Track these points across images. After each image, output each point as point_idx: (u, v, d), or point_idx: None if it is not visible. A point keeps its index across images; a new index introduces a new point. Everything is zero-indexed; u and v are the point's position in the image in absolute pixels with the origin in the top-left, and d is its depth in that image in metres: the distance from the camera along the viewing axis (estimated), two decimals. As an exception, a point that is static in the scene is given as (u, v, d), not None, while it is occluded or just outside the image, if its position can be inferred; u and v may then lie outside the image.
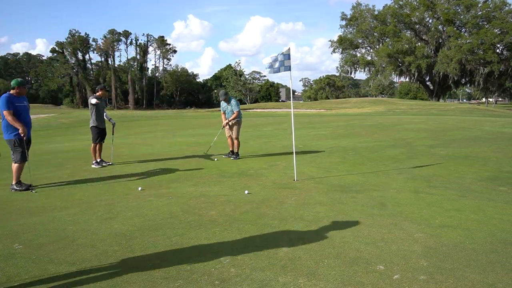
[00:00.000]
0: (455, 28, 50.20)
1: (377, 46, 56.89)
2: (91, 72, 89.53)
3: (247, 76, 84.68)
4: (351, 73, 61.72)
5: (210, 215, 4.36)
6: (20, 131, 5.58)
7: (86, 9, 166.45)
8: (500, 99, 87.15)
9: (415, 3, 53.11)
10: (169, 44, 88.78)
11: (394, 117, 23.36)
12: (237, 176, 6.52)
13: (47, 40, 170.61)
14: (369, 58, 58.40)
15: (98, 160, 7.83)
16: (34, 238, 3.69)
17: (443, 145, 10.01)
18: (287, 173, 6.70)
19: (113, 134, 8.29)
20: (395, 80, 73.01)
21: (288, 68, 6.10)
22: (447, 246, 3.38)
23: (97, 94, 7.77)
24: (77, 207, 4.77)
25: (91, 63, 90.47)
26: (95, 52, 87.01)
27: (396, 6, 54.44)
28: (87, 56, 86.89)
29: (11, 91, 5.72)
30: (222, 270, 2.96)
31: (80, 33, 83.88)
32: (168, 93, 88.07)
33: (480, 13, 49.01)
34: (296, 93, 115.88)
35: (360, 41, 59.06)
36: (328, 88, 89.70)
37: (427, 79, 57.10)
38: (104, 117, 7.99)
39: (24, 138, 5.70)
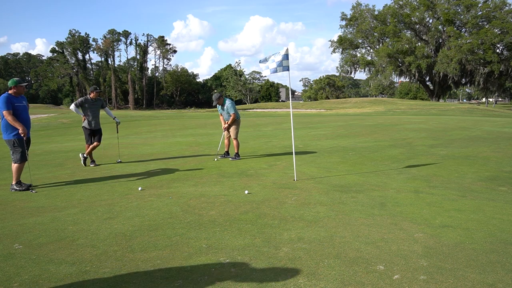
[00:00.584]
0: (455, 28, 50.18)
1: (377, 46, 56.87)
2: (91, 72, 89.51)
3: (247, 76, 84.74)
4: (351, 73, 61.72)
5: (210, 215, 4.36)
6: (20, 131, 5.58)
7: (85, 9, 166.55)
8: (500, 99, 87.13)
9: (415, 3, 53.08)
10: (169, 44, 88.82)
11: (394, 117, 23.36)
12: (237, 176, 6.52)
13: (47, 40, 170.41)
14: (369, 58, 58.38)
15: (84, 157, 7.92)
16: (34, 238, 3.69)
17: (443, 145, 10.01)
18: (287, 173, 6.70)
19: (117, 133, 8.49)
20: (395, 80, 73.02)
21: (287, 68, 6.11)
22: (447, 246, 3.38)
23: (90, 96, 7.79)
24: (77, 207, 4.77)
25: (91, 63, 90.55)
26: (95, 52, 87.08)
27: (396, 6, 54.42)
28: (87, 56, 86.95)
29: (10, 91, 5.71)
30: (222, 270, 2.96)
31: (80, 33, 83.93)
32: (168, 93, 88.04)
33: (480, 13, 48.99)
34: (296, 93, 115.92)
35: (360, 41, 59.03)
36: (328, 88, 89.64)
37: (427, 79, 57.09)
38: (104, 117, 8.06)
39: (24, 138, 5.70)
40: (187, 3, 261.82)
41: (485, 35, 46.35)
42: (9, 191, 5.72)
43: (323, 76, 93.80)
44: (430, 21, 53.11)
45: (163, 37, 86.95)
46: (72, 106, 7.69)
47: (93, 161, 7.94)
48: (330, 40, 63.05)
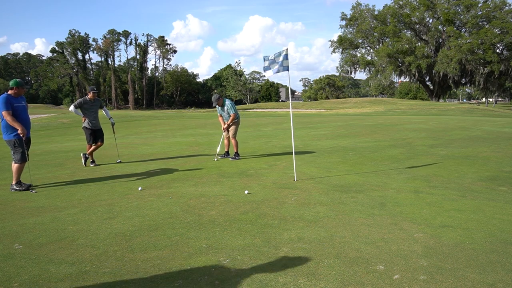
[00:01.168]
0: (455, 28, 50.17)
1: (377, 46, 56.86)
2: (91, 72, 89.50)
3: (247, 76, 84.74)
4: (351, 73, 61.70)
5: (210, 215, 4.36)
6: (19, 131, 5.58)
7: (85, 9, 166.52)
8: (500, 99, 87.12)
9: (415, 3, 53.08)
10: (169, 44, 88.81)
11: (394, 117, 23.36)
12: (237, 176, 6.52)
13: (46, 40, 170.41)
14: (369, 58, 58.36)
15: (85, 157, 7.94)
16: (34, 238, 3.69)
17: (443, 145, 10.01)
18: (287, 173, 6.70)
19: (114, 133, 8.51)
20: (395, 80, 73.00)
21: (286, 68, 6.12)
22: (447, 246, 3.38)
23: (88, 97, 7.79)
24: (77, 207, 4.77)
25: (91, 63, 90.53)
26: (95, 52, 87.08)
27: (396, 6, 54.42)
28: (87, 56, 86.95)
29: (9, 91, 5.72)
30: (222, 270, 2.96)
31: (80, 33, 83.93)
32: (168, 93, 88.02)
33: (480, 13, 48.98)
34: (296, 93, 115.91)
35: (360, 41, 59.02)
36: (328, 88, 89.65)
37: (427, 79, 57.08)
38: (102, 117, 8.09)
39: (24, 138, 5.70)
40: (187, 3, 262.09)
41: (485, 35, 46.34)
42: (9, 191, 5.72)
43: (323, 76, 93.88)
44: (430, 21, 53.11)
45: (163, 37, 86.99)
46: (71, 108, 7.71)
47: (93, 161, 7.95)
48: (330, 40, 63.19)
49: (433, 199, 4.90)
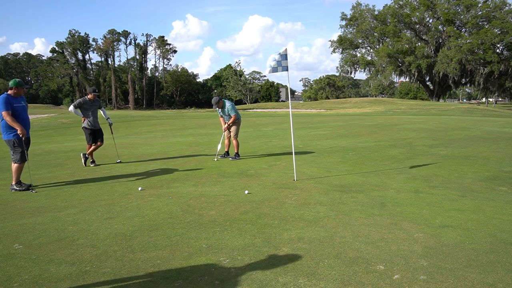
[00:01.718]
0: (455, 28, 50.16)
1: (377, 46, 56.85)
2: (91, 72, 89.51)
3: (247, 76, 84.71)
4: (351, 73, 61.69)
5: (210, 215, 4.36)
6: (18, 132, 5.58)
7: (85, 9, 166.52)
8: (500, 99, 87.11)
9: (415, 3, 53.07)
10: (169, 44, 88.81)
11: (394, 117, 23.36)
12: (237, 176, 6.52)
13: (46, 39, 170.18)
14: (369, 58, 58.35)
15: (85, 157, 7.94)
16: (34, 238, 3.69)
17: (443, 145, 10.01)
18: (287, 173, 6.70)
19: (112, 134, 8.50)
20: (395, 80, 73.00)
21: (286, 68, 6.12)
22: (447, 246, 3.38)
23: (88, 97, 7.79)
24: (77, 207, 4.77)
25: (91, 63, 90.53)
26: (95, 52, 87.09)
27: (396, 6, 54.41)
28: (87, 56, 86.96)
29: (9, 91, 5.71)
30: (222, 270, 2.96)
31: (80, 33, 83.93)
32: (168, 93, 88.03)
33: (480, 13, 48.97)
34: (296, 93, 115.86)
35: (360, 41, 59.02)
36: (328, 88, 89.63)
37: (427, 79, 57.07)
38: (101, 117, 8.09)
39: (23, 138, 5.70)
40: (187, 3, 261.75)
41: (485, 35, 46.34)
42: (9, 191, 5.72)
43: (323, 76, 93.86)
44: (430, 21, 53.10)
45: (163, 37, 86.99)
46: (71, 108, 7.71)
47: (93, 161, 7.95)
48: (330, 40, 63.24)
49: (433, 199, 4.90)
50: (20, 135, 5.63)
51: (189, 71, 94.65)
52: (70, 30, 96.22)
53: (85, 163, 7.81)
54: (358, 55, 59.87)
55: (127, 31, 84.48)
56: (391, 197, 5.04)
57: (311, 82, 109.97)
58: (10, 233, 3.87)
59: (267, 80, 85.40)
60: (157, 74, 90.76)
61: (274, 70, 6.13)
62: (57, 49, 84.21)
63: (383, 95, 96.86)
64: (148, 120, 26.53)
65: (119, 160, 8.31)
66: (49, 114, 33.55)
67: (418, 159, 8.01)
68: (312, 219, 4.15)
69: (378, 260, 3.10)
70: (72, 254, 3.29)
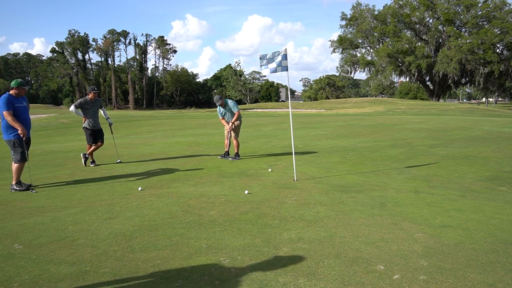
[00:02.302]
0: (455, 28, 50.15)
1: (377, 46, 56.83)
2: (91, 72, 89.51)
3: (247, 76, 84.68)
4: (351, 73, 61.67)
5: (210, 215, 4.36)
6: (19, 132, 5.58)
7: (85, 9, 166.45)
8: (500, 99, 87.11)
9: (415, 3, 53.06)
10: (169, 44, 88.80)
11: (394, 117, 23.36)
12: (237, 176, 6.52)
13: (45, 39, 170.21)
14: (369, 58, 58.33)
15: (85, 157, 7.94)
16: (34, 238, 3.69)
17: (443, 145, 10.01)
18: (287, 173, 6.70)
19: (112, 133, 8.49)
20: (395, 80, 72.96)
21: (285, 69, 6.12)
22: (447, 246, 3.38)
23: (88, 97, 7.79)
24: (77, 207, 4.77)
25: (91, 63, 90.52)
26: (95, 52, 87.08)
27: (396, 6, 54.40)
28: (87, 56, 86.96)
29: (11, 92, 5.72)
30: (222, 270, 2.96)
31: (79, 33, 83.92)
32: (168, 93, 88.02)
33: (480, 13, 48.97)
34: (296, 93, 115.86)
35: (360, 41, 59.01)
36: (328, 88, 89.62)
37: (427, 79, 57.06)
38: (101, 117, 8.09)
39: (24, 138, 5.70)
40: (187, 3, 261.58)
41: (485, 35, 46.33)
42: (9, 191, 5.72)
43: (323, 76, 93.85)
44: (430, 21, 53.10)
45: (162, 37, 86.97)
46: (72, 108, 7.71)
47: (93, 161, 7.95)
48: (330, 40, 63.30)
49: (433, 199, 4.90)
50: (21, 135, 5.63)
51: (189, 71, 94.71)
52: (69, 30, 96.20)
53: (85, 163, 7.81)
54: (358, 55, 59.87)
55: (126, 31, 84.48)
56: (391, 197, 5.04)
57: (311, 82, 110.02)
58: (10, 233, 3.87)
59: (267, 80, 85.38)
60: (157, 74, 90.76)
61: (273, 70, 6.12)
62: (57, 49, 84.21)
63: (383, 95, 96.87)
64: (148, 120, 26.53)
65: (119, 160, 8.31)
66: (49, 114, 33.56)
67: (418, 159, 8.01)
68: (312, 219, 4.15)
69: (378, 260, 3.10)
70: (72, 254, 3.29)
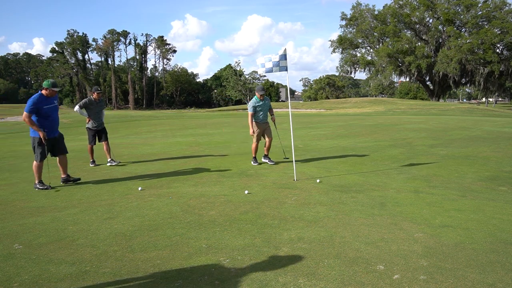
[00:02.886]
0: (455, 28, 50.15)
1: (377, 46, 56.84)
2: (91, 72, 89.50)
3: (247, 76, 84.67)
4: (351, 73, 61.69)
5: (210, 215, 4.36)
6: (41, 136, 5.63)
7: (85, 9, 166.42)
8: (500, 99, 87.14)
9: (415, 3, 53.07)
10: (169, 44, 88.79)
11: (394, 117, 23.36)
12: (237, 176, 6.52)
13: (45, 39, 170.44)
14: (369, 58, 58.33)
15: (91, 159, 8.00)
16: (34, 238, 3.69)
17: (443, 145, 10.00)
18: (287, 173, 6.70)
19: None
20: (395, 80, 73.01)
21: (284, 69, 6.11)
22: (447, 246, 3.38)
23: (93, 97, 7.79)
24: (77, 207, 4.77)
25: (90, 63, 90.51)
26: (95, 52, 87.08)
27: (396, 6, 54.40)
28: (86, 56, 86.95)
29: (42, 91, 5.73)
30: (222, 270, 2.96)
31: (78, 33, 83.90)
32: (168, 93, 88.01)
33: (480, 13, 48.97)
34: (296, 93, 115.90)
35: (360, 41, 59.01)
36: (328, 88, 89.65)
37: (427, 79, 57.07)
38: (103, 117, 8.10)
39: (44, 141, 5.73)
40: (187, 3, 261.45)
41: (485, 35, 46.33)
42: (9, 191, 5.73)
43: (323, 76, 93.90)
44: (430, 21, 53.10)
45: (162, 37, 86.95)
46: (76, 108, 7.69)
47: (93, 161, 7.95)
48: (330, 40, 63.34)
49: (433, 199, 4.90)
50: (42, 140, 5.66)
51: (189, 71, 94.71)
52: (68, 31, 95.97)
53: (94, 162, 7.86)
54: (358, 55, 59.88)
55: (126, 31, 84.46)
56: (391, 197, 5.04)
57: (311, 82, 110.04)
58: (10, 233, 3.87)
59: (267, 80, 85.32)
60: (157, 74, 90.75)
61: (268, 70, 6.12)
62: (56, 49, 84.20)
63: (383, 95, 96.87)
64: (148, 120, 26.52)
65: (119, 161, 8.27)
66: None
67: (418, 159, 8.00)
68: (312, 219, 4.15)
69: (378, 260, 3.10)
70: (72, 254, 3.29)
